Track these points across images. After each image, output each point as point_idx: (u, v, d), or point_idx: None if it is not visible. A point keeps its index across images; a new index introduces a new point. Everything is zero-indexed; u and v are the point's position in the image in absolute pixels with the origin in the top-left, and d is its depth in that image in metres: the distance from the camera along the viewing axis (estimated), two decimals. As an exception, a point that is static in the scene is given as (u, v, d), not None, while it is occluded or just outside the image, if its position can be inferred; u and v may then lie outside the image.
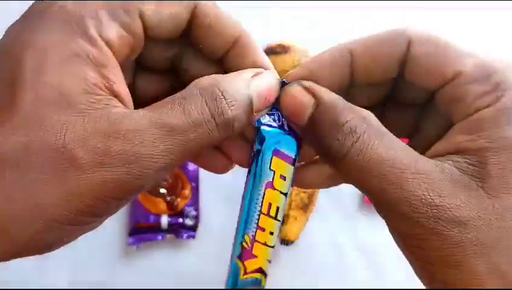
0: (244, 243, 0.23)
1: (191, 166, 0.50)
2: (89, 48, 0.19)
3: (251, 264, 0.23)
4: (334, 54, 0.22)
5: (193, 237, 0.49)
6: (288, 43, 0.51)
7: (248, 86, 0.21)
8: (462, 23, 0.49)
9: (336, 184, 0.24)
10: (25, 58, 0.18)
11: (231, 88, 0.20)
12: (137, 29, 0.21)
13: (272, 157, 0.22)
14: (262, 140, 0.22)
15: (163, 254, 0.49)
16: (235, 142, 0.24)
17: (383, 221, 0.21)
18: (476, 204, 0.18)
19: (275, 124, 0.23)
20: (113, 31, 0.20)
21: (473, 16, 0.52)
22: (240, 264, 0.23)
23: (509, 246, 0.18)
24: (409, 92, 0.23)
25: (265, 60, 0.23)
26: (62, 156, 0.18)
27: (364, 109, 0.21)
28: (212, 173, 0.25)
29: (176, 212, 0.49)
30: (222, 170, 0.25)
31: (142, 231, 0.48)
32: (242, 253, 0.23)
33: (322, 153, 0.21)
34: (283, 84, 0.22)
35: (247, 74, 0.22)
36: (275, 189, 0.22)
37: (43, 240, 0.19)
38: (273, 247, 0.23)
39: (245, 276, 0.23)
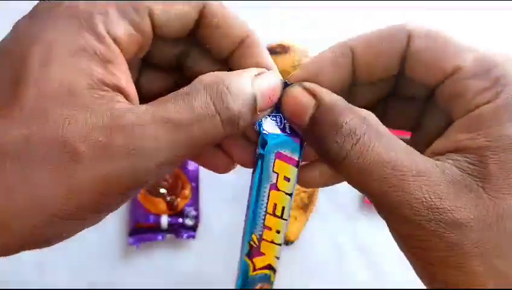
0: (251, 242, 0.23)
1: (191, 166, 0.50)
2: (96, 43, 0.19)
3: (259, 261, 0.23)
4: (335, 54, 0.22)
5: (193, 237, 0.49)
6: (288, 43, 0.51)
7: (252, 85, 0.21)
8: (462, 23, 0.49)
9: (338, 182, 0.24)
10: (30, 54, 0.18)
11: (235, 85, 0.20)
12: (146, 27, 0.21)
13: (274, 160, 0.22)
14: (264, 143, 0.22)
15: (163, 254, 0.49)
16: (237, 142, 0.24)
17: (383, 221, 0.21)
18: (477, 205, 0.18)
19: (277, 127, 0.22)
20: (122, 29, 0.20)
21: (473, 15, 0.52)
22: (249, 261, 0.23)
23: (510, 247, 0.18)
24: (409, 88, 0.23)
25: (269, 61, 0.23)
26: (63, 149, 0.17)
27: (364, 109, 0.21)
28: (212, 173, 0.25)
29: (175, 212, 0.49)
30: (224, 169, 0.25)
31: (142, 231, 0.48)
32: (250, 251, 0.23)
33: (322, 155, 0.21)
34: (285, 86, 0.22)
35: (250, 72, 0.21)
36: (279, 190, 0.22)
37: (42, 235, 0.18)
38: (280, 245, 0.23)
39: (254, 272, 0.23)
